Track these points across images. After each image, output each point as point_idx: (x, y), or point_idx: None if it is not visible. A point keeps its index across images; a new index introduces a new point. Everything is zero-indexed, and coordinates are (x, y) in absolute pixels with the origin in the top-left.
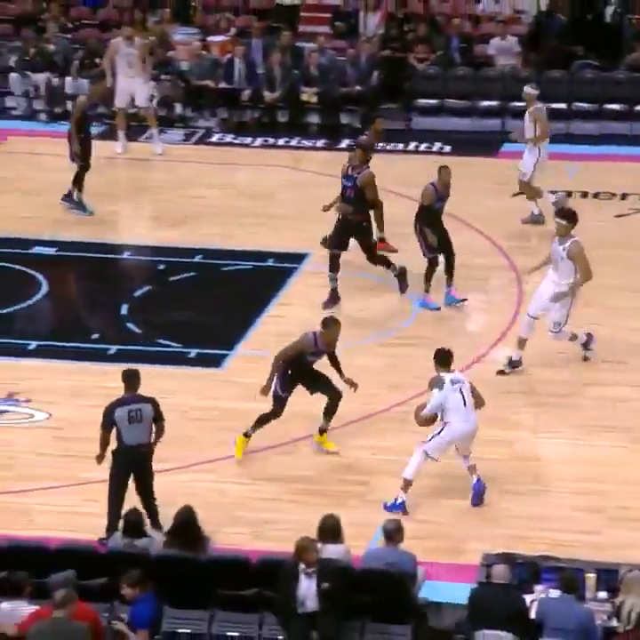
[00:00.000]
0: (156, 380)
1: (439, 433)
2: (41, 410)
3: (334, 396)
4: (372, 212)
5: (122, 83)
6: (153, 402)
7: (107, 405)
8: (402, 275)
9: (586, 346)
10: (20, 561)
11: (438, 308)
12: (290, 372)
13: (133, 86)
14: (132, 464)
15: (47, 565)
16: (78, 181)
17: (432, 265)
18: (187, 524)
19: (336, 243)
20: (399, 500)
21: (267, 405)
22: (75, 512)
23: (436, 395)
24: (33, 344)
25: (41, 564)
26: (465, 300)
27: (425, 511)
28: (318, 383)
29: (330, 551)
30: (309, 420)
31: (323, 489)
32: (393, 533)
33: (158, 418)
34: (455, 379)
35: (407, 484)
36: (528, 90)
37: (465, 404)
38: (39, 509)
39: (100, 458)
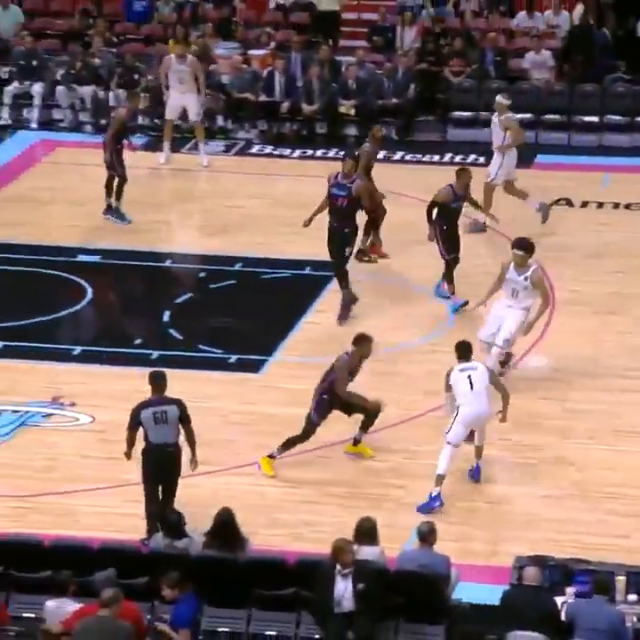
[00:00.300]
0: (197, 385)
1: (454, 419)
2: (85, 413)
3: (371, 413)
4: (365, 220)
5: (174, 96)
6: (179, 404)
7: (134, 407)
8: (347, 304)
9: (503, 364)
10: (64, 560)
11: (467, 302)
12: (325, 396)
13: (185, 100)
14: (159, 462)
15: (91, 565)
16: (118, 192)
17: (451, 266)
18: (226, 525)
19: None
20: (434, 493)
21: (305, 410)
22: (117, 513)
23: (444, 381)
24: (78, 349)
25: (85, 564)
26: (466, 302)
27: (459, 514)
28: (353, 407)
29: (365, 553)
30: (347, 423)
31: (359, 492)
32: (427, 535)
33: (185, 420)
34: (465, 367)
35: (440, 480)
36: (500, 99)
37: (471, 389)
38: (83, 510)
39: (127, 455)
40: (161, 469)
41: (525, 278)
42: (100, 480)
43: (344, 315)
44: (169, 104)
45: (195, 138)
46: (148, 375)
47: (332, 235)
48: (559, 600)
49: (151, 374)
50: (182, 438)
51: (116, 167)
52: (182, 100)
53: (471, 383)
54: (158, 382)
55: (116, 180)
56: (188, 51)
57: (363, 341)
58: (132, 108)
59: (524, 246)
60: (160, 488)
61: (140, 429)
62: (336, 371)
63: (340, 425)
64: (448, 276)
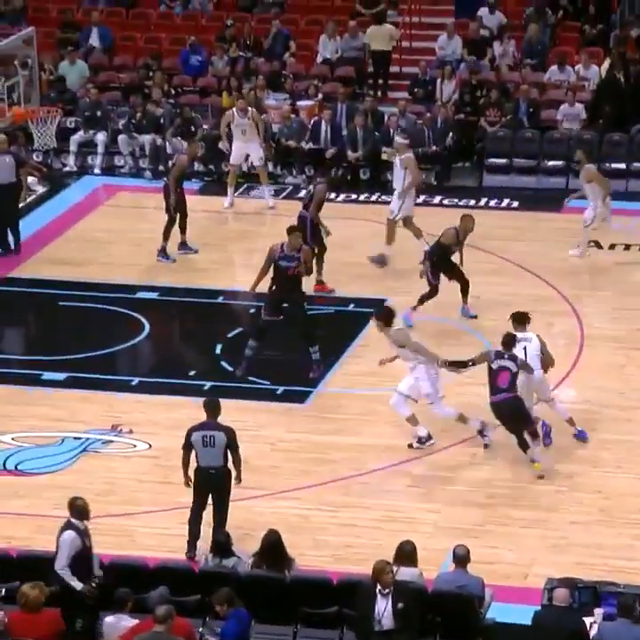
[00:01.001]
0: (247, 414)
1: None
2: (142, 440)
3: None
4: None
5: (237, 146)
6: (228, 431)
7: (188, 428)
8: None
9: (481, 433)
10: (122, 578)
11: (411, 326)
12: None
13: (249, 148)
14: (206, 484)
15: (146, 582)
16: (166, 232)
17: (432, 293)
18: (273, 546)
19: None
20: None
21: (347, 438)
22: (171, 534)
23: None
24: (136, 380)
25: (141, 582)
26: (475, 316)
27: (493, 538)
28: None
29: (405, 574)
30: (388, 451)
31: (397, 516)
32: (463, 558)
33: (232, 447)
34: (521, 337)
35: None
36: (398, 139)
37: (525, 356)
38: (140, 531)
39: (185, 479)
40: (205, 489)
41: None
42: (156, 503)
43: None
44: (233, 152)
45: (248, 183)
46: (203, 402)
47: (280, 301)
48: (588, 620)
49: (205, 401)
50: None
51: (173, 209)
52: (246, 148)
53: (525, 353)
54: (211, 408)
55: (170, 220)
56: (246, 104)
57: None
58: (191, 156)
59: (379, 317)
60: (212, 508)
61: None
62: None
63: (381, 453)
64: (423, 299)
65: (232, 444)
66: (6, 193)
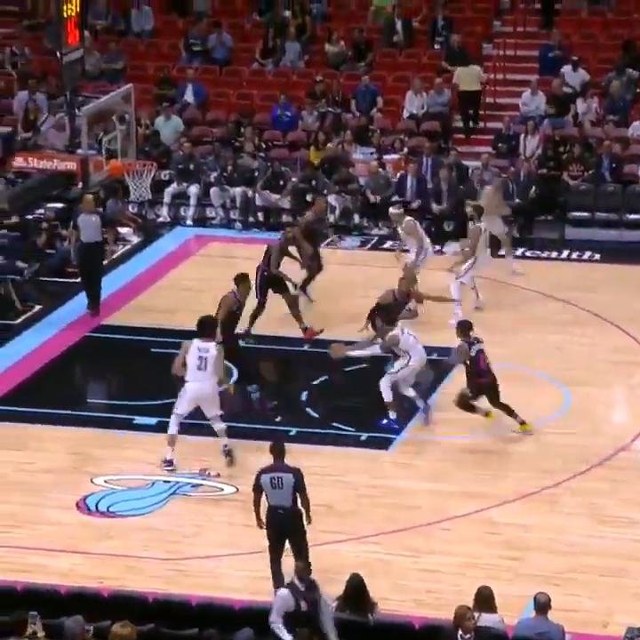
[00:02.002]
0: (331, 460)
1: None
2: (229, 484)
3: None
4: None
5: None
6: (296, 473)
7: (258, 470)
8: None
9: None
10: (208, 619)
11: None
12: None
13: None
14: (278, 525)
15: (232, 624)
16: (304, 284)
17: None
18: (357, 590)
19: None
20: (392, 417)
21: (429, 484)
22: (257, 576)
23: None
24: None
25: (227, 623)
26: None
27: (574, 586)
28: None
29: (485, 620)
30: (469, 498)
31: (477, 562)
32: (544, 605)
33: (300, 488)
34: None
35: (390, 405)
36: (392, 211)
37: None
38: (226, 574)
39: (257, 521)
40: (277, 529)
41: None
42: (243, 546)
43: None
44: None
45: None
46: (270, 445)
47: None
48: None
49: (272, 444)
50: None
51: (309, 262)
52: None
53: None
54: (278, 451)
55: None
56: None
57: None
58: (317, 212)
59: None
60: (292, 552)
61: None
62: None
63: (462, 500)
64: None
65: (299, 486)
66: (93, 251)
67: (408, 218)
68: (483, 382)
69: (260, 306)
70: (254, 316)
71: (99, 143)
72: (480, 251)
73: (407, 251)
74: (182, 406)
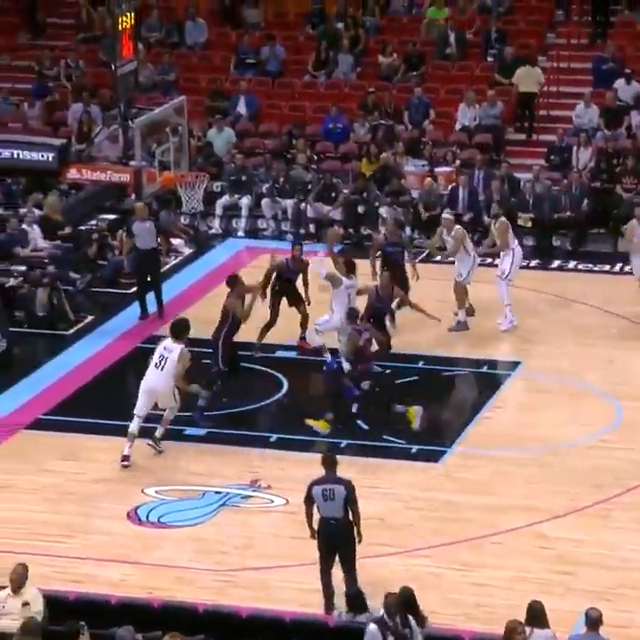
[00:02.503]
0: (382, 473)
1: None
2: (280, 496)
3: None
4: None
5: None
6: (347, 485)
7: (309, 482)
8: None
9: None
10: (257, 631)
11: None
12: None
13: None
14: (329, 536)
15: (283, 636)
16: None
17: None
18: (407, 603)
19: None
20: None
21: (479, 497)
22: (307, 588)
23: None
24: (274, 437)
25: (277, 635)
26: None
27: (626, 602)
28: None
29: (537, 635)
30: (521, 511)
31: (531, 577)
32: (595, 621)
33: (351, 500)
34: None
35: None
36: (445, 215)
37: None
38: (276, 585)
39: (310, 531)
40: (329, 540)
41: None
42: (292, 557)
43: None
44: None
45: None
46: (321, 456)
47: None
48: None
49: (323, 457)
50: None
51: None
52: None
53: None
54: (329, 463)
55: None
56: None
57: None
58: (390, 233)
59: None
60: (340, 564)
61: None
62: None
63: (516, 513)
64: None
65: (351, 498)
66: (148, 258)
67: (458, 226)
68: (367, 368)
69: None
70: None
71: (151, 155)
72: (512, 244)
73: (452, 262)
74: (138, 404)
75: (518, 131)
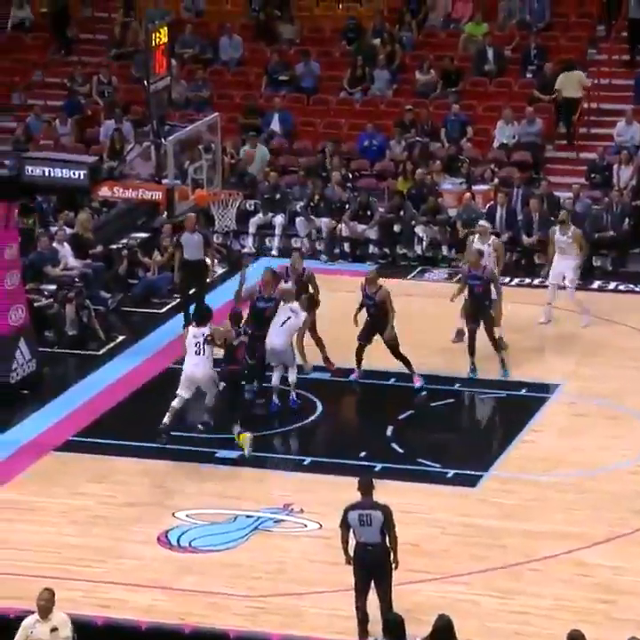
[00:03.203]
0: (417, 497)
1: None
2: (313, 520)
3: None
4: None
5: (556, 261)
6: (384, 510)
7: (345, 507)
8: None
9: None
10: None
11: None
12: None
13: (564, 265)
14: (366, 562)
15: None
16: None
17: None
18: (444, 631)
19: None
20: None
21: (518, 523)
22: (341, 615)
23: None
24: (308, 460)
25: None
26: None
27: None
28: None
29: None
30: (560, 538)
31: (571, 605)
32: None
33: (388, 526)
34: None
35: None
36: (482, 223)
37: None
38: (309, 612)
39: (346, 557)
40: (365, 566)
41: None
42: (326, 583)
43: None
44: (552, 268)
45: (421, 266)
46: (358, 481)
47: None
48: None
49: (360, 480)
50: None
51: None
52: (562, 265)
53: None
54: (366, 487)
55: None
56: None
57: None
58: (473, 263)
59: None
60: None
61: None
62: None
63: (555, 540)
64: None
65: (388, 523)
66: (195, 269)
67: (494, 236)
68: (235, 370)
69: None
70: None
71: (184, 173)
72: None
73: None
74: (180, 388)
75: (560, 138)
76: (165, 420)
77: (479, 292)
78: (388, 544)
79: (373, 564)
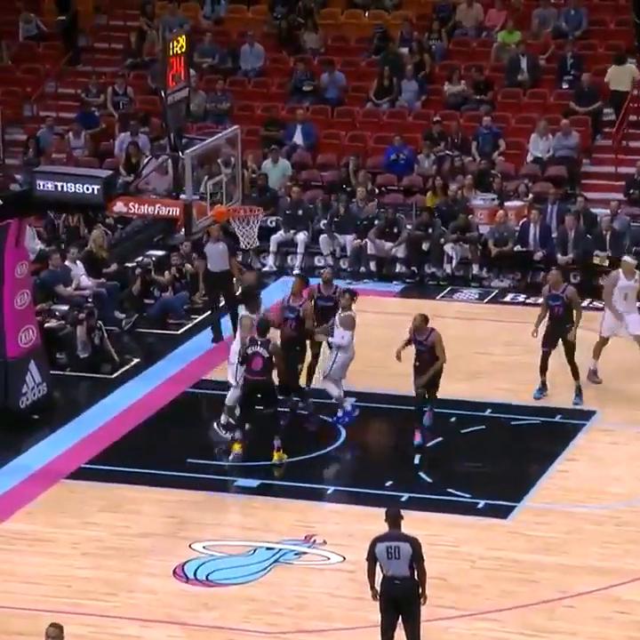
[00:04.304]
0: (446, 529)
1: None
2: (336, 552)
3: None
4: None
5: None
6: (413, 542)
7: (372, 539)
8: None
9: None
10: None
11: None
12: None
13: (627, 318)
14: (393, 597)
15: None
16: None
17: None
18: None
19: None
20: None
21: (553, 557)
22: None
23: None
24: (331, 489)
25: None
26: None
27: None
28: None
29: None
30: (596, 573)
31: None
32: None
33: (417, 559)
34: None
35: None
36: (628, 260)
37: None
38: None
39: (372, 592)
40: (392, 602)
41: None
42: (350, 620)
43: None
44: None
45: (451, 286)
46: (385, 512)
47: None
48: None
49: (387, 511)
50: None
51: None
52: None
53: None
54: (393, 518)
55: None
56: (444, 201)
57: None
58: (554, 283)
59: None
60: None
61: None
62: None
63: (588, 576)
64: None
65: (417, 556)
66: (220, 281)
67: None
68: (252, 380)
69: None
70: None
71: (202, 188)
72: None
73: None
74: (228, 374)
75: (598, 152)
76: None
77: (559, 314)
78: (416, 578)
79: (401, 600)
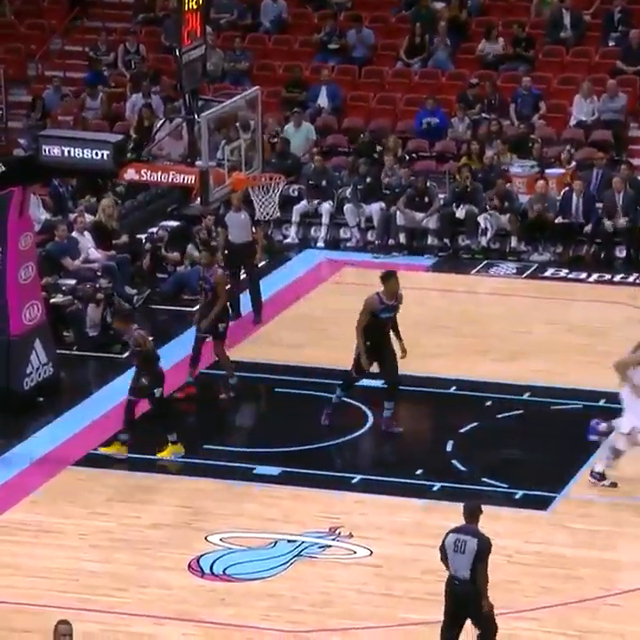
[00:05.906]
0: (481, 521)
1: None
2: (363, 546)
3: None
4: None
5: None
6: (481, 540)
7: (449, 529)
8: None
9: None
10: None
11: None
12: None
13: None
14: (455, 598)
15: None
16: None
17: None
18: None
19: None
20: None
21: (595, 552)
22: None
23: None
24: (357, 477)
25: None
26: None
27: None
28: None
29: None
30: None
31: None
32: None
33: (479, 558)
34: None
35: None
36: None
37: None
38: None
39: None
40: (453, 604)
41: None
42: (376, 618)
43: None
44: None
45: (487, 259)
46: (463, 505)
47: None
48: None
49: (465, 505)
50: None
51: None
52: None
53: None
54: (468, 512)
55: None
56: (481, 168)
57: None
58: None
59: None
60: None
61: None
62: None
63: (635, 573)
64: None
65: (480, 555)
66: (242, 253)
67: None
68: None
69: None
70: None
71: (220, 154)
72: None
73: None
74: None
75: None
76: None
77: None
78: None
79: (462, 602)
